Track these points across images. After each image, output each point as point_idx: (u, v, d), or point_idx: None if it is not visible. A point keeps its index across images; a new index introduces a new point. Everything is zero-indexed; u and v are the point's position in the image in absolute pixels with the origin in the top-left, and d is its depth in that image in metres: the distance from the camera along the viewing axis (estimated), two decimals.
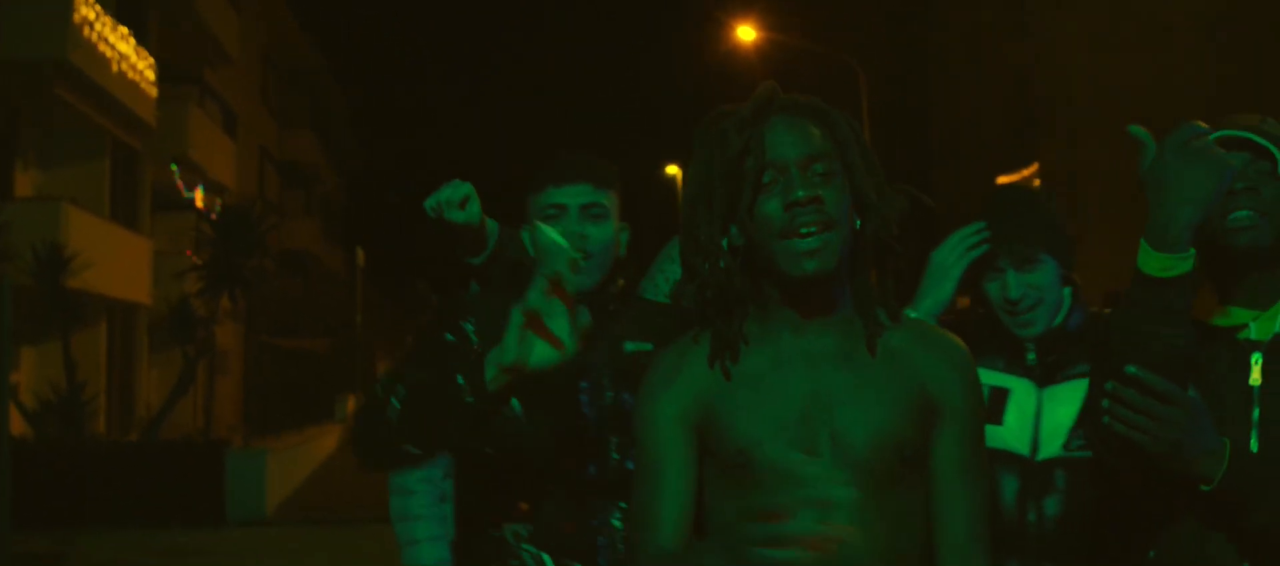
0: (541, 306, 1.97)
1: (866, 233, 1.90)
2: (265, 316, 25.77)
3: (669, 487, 1.91)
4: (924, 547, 1.90)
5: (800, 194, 1.80)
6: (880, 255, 1.93)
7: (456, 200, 2.59)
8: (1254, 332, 2.18)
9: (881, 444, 1.85)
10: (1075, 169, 25.39)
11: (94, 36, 17.77)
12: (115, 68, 18.74)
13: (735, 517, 1.81)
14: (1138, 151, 2.05)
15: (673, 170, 43.41)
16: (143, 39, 20.45)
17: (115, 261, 19.24)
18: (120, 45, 18.91)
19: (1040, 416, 2.63)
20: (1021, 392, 2.65)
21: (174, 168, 23.67)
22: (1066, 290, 2.70)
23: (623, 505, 2.53)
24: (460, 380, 2.05)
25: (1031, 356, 2.66)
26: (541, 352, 2.00)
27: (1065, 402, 2.62)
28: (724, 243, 1.89)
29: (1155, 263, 2.00)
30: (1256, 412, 2.13)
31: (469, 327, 2.59)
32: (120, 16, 19.27)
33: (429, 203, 2.61)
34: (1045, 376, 2.66)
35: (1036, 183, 27.00)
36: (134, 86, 19.71)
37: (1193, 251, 2.00)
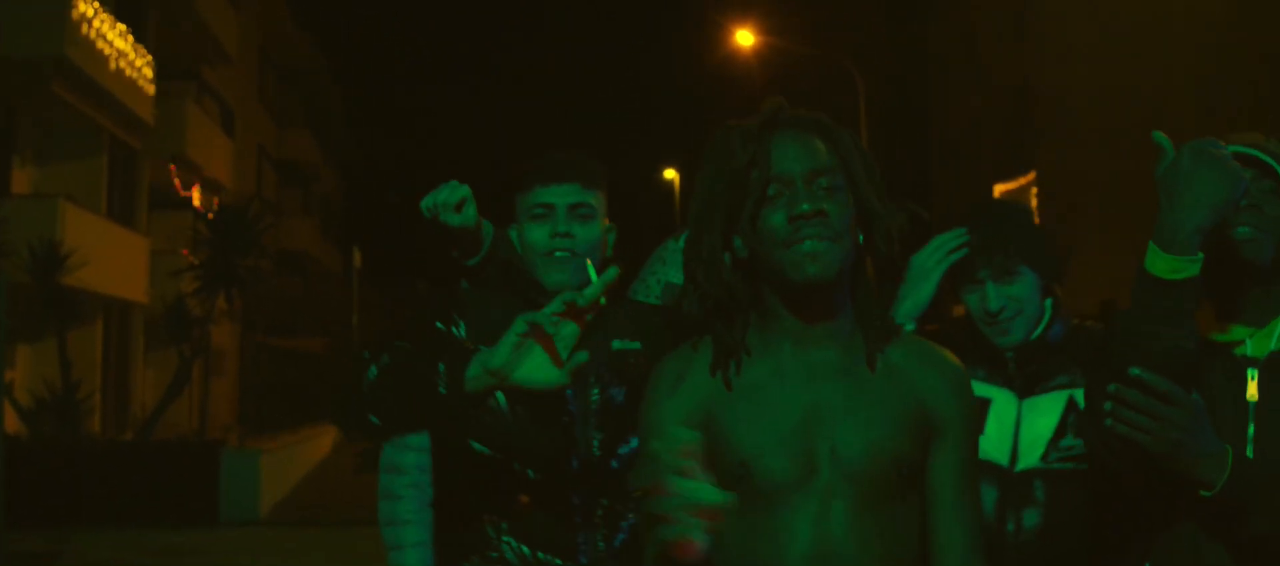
0: (548, 324, 1.96)
1: (869, 247, 1.93)
2: (262, 316, 25.77)
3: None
4: (918, 561, 1.93)
5: (805, 207, 1.83)
6: (880, 269, 1.97)
7: (453, 202, 2.59)
8: (1250, 349, 2.19)
9: (879, 458, 1.87)
10: (1074, 177, 25.41)
11: (92, 33, 17.75)
12: (113, 65, 18.73)
13: (735, 525, 1.83)
14: (1157, 155, 2.07)
15: (671, 174, 43.47)
16: (141, 37, 20.44)
17: (112, 260, 19.23)
18: (118, 42, 18.90)
19: (1020, 427, 2.65)
20: (1001, 403, 2.67)
21: (171, 166, 23.65)
22: (1047, 302, 2.72)
23: (604, 501, 2.55)
24: (441, 368, 2.04)
25: (1011, 367, 2.67)
26: (531, 369, 1.99)
27: (1044, 414, 2.65)
28: (726, 256, 1.92)
29: (1164, 264, 2.02)
30: (1252, 428, 2.14)
31: (460, 326, 2.59)
32: (119, 14, 19.27)
33: (425, 203, 2.60)
34: (1026, 387, 2.68)
35: (1034, 190, 27.03)
36: (132, 84, 19.70)
37: (1201, 256, 2.02)
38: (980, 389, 2.61)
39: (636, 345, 2.63)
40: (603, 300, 1.97)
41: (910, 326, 2.67)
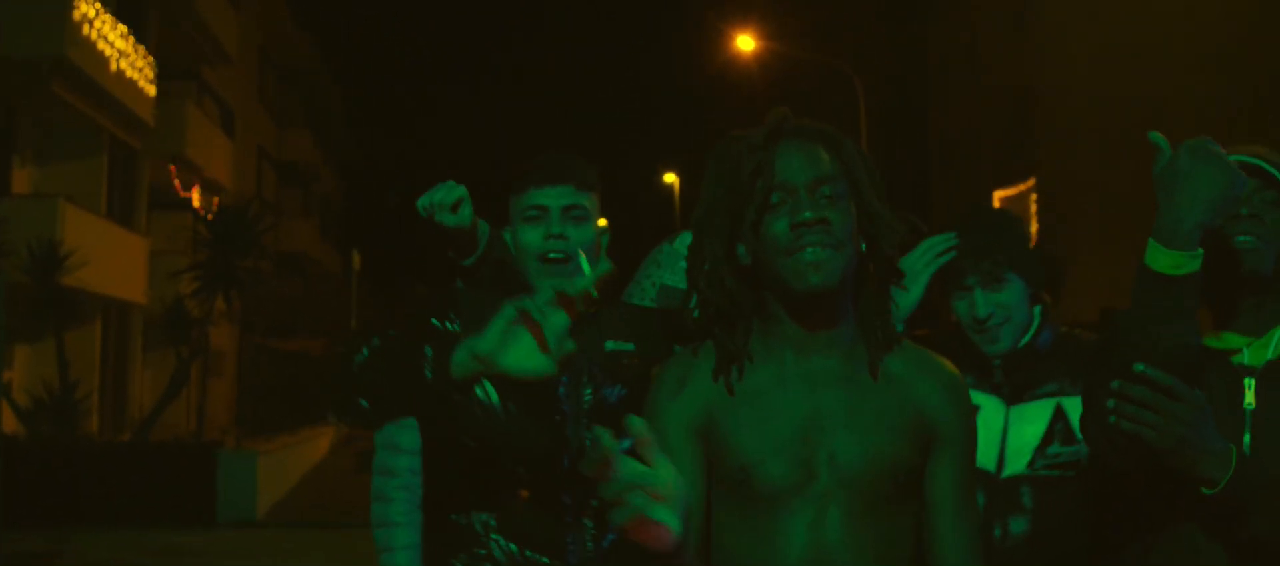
0: (537, 311, 1.94)
1: (872, 255, 1.96)
2: (260, 317, 25.74)
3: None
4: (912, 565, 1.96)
5: (807, 215, 1.86)
6: (882, 278, 1.99)
7: (449, 203, 2.60)
8: (1248, 358, 2.20)
9: (877, 466, 1.90)
10: (1074, 183, 25.41)
11: (93, 34, 17.75)
12: (114, 65, 18.72)
13: (733, 528, 1.90)
14: (1153, 155, 2.10)
15: (670, 178, 43.46)
16: (142, 37, 20.43)
17: (111, 260, 19.23)
18: (119, 43, 18.89)
19: (1006, 434, 2.66)
20: (989, 409, 2.68)
21: (171, 167, 23.64)
22: (1036, 309, 2.73)
23: (594, 503, 2.55)
24: (428, 352, 2.03)
25: (998, 375, 2.69)
26: (518, 355, 1.96)
27: (1032, 421, 2.66)
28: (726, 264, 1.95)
29: (1165, 260, 2.04)
30: (1248, 436, 2.15)
31: (455, 324, 2.60)
32: (120, 14, 19.26)
33: (421, 202, 2.61)
34: (1013, 394, 2.70)
35: (1033, 196, 27.03)
36: (132, 85, 19.69)
37: (1201, 252, 2.04)
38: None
39: (630, 346, 2.64)
40: (594, 292, 1.96)
41: (898, 329, 2.69)
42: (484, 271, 2.74)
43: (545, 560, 2.55)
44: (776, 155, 1.91)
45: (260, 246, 17.02)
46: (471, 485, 2.59)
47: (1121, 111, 23.21)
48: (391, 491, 2.90)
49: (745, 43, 25.86)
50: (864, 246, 1.95)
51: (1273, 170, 2.22)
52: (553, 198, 2.61)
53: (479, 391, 2.54)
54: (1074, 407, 2.64)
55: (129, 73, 19.44)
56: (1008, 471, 2.63)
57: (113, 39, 18.60)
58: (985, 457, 2.60)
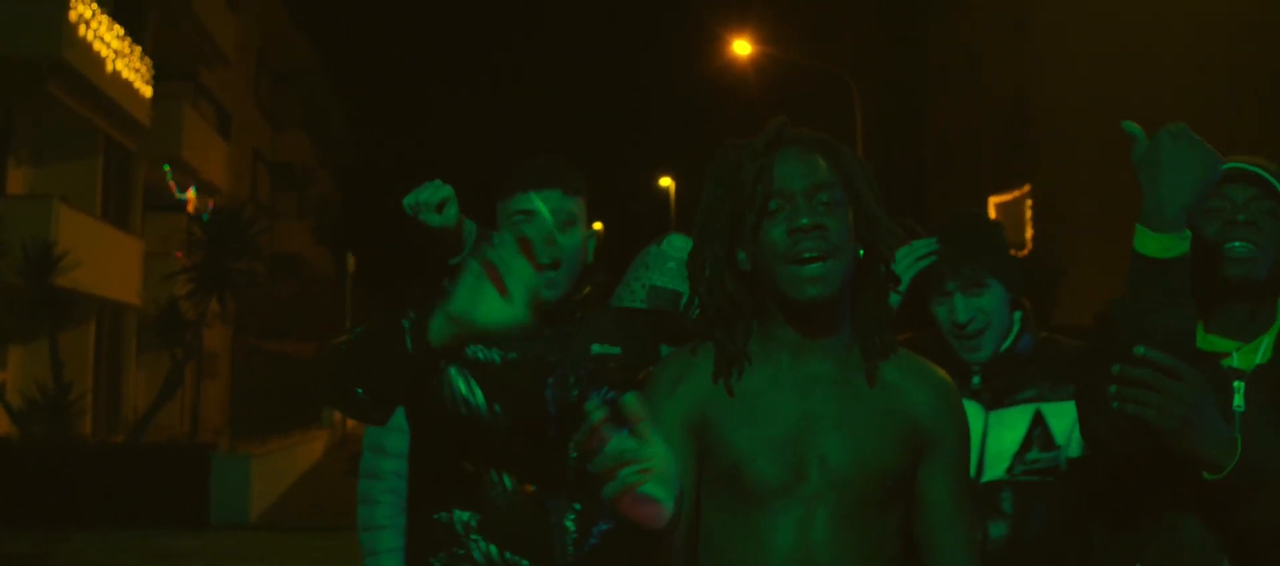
0: (503, 262, 1.93)
1: (870, 262, 2.00)
2: (254, 320, 25.72)
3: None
4: None
5: (805, 221, 1.90)
6: (880, 285, 2.02)
7: (434, 202, 2.59)
8: (1237, 362, 2.23)
9: (867, 470, 1.94)
10: (1070, 189, 25.44)
11: (89, 35, 17.73)
12: (110, 67, 18.70)
13: (722, 525, 1.95)
14: (1130, 143, 2.13)
15: (666, 182, 43.49)
16: (139, 38, 20.41)
17: (106, 261, 19.20)
18: (115, 44, 18.88)
19: (986, 439, 2.67)
20: (968, 415, 2.68)
21: (166, 168, 23.61)
22: (1016, 315, 2.74)
23: (577, 506, 2.56)
24: (407, 325, 2.02)
25: (976, 379, 2.70)
26: (491, 308, 1.94)
27: (1011, 427, 2.68)
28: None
29: (1154, 244, 2.06)
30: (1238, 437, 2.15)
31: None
32: (117, 15, 19.24)
33: (407, 201, 2.61)
34: (992, 400, 2.71)
35: (1029, 202, 27.06)
36: (128, 86, 19.67)
37: (1188, 234, 2.07)
38: None
39: (617, 350, 2.66)
40: (558, 238, 1.95)
41: None
42: None
43: (525, 562, 2.55)
44: (775, 162, 1.95)
45: (255, 248, 17.01)
46: (455, 481, 2.59)
47: (1119, 116, 23.08)
48: (377, 494, 2.90)
49: (742, 47, 25.89)
50: (861, 253, 1.98)
51: (1272, 179, 2.23)
52: (541, 202, 2.61)
53: (463, 389, 2.53)
54: (1053, 413, 2.67)
55: (125, 74, 19.42)
56: (987, 476, 2.65)
57: (109, 40, 18.58)
58: None
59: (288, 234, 35.81)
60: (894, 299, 2.74)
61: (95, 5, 17.97)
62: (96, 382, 20.20)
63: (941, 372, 2.07)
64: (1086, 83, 25.50)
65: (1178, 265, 2.06)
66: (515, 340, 2.19)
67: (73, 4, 17.11)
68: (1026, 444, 2.67)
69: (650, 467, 1.61)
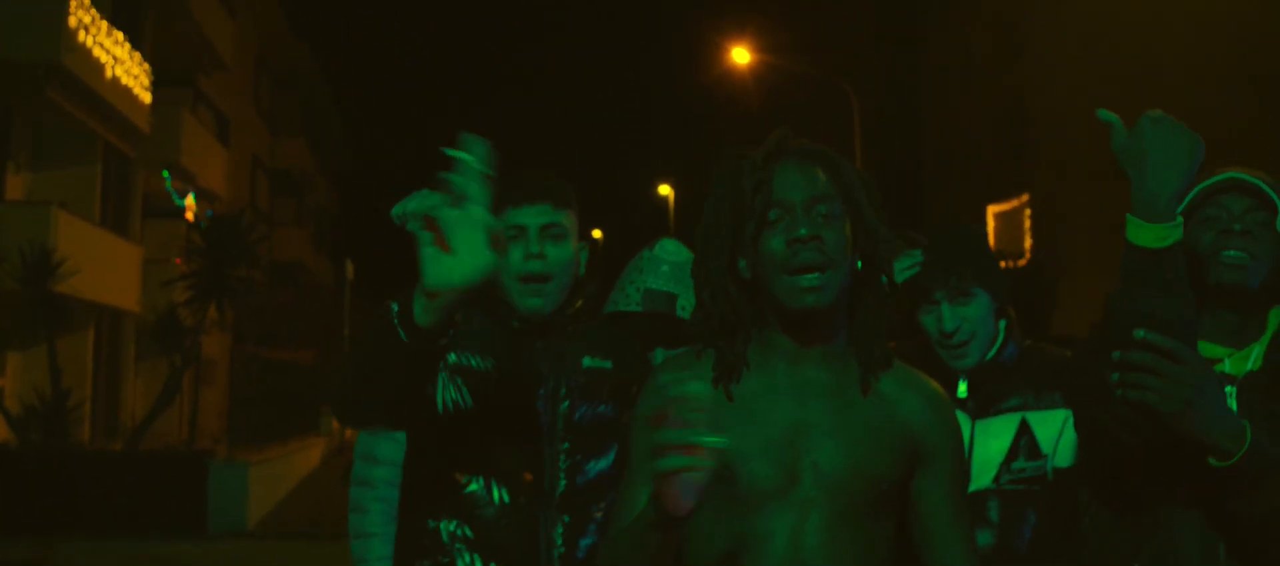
0: (447, 218, 1.88)
1: (868, 273, 2.04)
2: (253, 327, 25.69)
3: (649, 482, 1.99)
4: None
5: (803, 232, 1.94)
6: (878, 296, 2.06)
7: (421, 212, 2.59)
8: (1229, 368, 2.25)
9: (860, 476, 1.98)
10: (1068, 200, 25.45)
11: (88, 40, 17.73)
12: (109, 72, 18.71)
13: (715, 527, 1.99)
14: (1108, 132, 2.14)
15: (665, 190, 43.53)
16: (138, 44, 20.42)
17: (104, 267, 19.19)
18: (115, 49, 18.88)
19: (972, 449, 2.70)
20: None
21: (165, 175, 23.61)
22: (1001, 323, 2.75)
23: (566, 518, 2.57)
24: (394, 308, 1.99)
25: (963, 389, 2.72)
26: (461, 267, 1.89)
27: (997, 436, 2.70)
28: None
29: (1149, 234, 2.06)
30: None
31: None
32: (116, 21, 19.25)
33: (396, 211, 2.61)
34: (978, 409, 2.73)
35: (1027, 212, 27.07)
36: (127, 92, 19.67)
37: (1181, 221, 2.07)
38: None
39: (608, 364, 2.67)
40: (476, 165, 1.91)
41: None
42: None
43: None
44: (775, 174, 1.99)
45: (253, 255, 16.99)
46: (445, 491, 2.59)
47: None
48: (367, 502, 2.91)
49: (741, 55, 25.93)
50: (860, 264, 2.02)
51: (1269, 190, 2.25)
52: (531, 217, 2.61)
53: (454, 397, 2.53)
54: (1038, 422, 2.69)
55: (124, 80, 19.42)
56: (974, 486, 2.66)
57: (108, 46, 18.58)
58: None
59: (287, 241, 35.80)
60: None
61: (94, 11, 17.97)
62: (95, 389, 20.19)
63: (934, 383, 2.11)
64: (1085, 91, 25.50)
65: (1173, 253, 2.06)
66: (504, 339, 2.13)
67: (72, 9, 17.12)
68: (1013, 453, 2.69)
69: (706, 463, 1.68)
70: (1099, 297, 2.30)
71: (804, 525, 1.96)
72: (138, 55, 20.16)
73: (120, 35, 19.19)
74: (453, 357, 2.52)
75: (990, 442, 2.69)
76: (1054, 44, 26.41)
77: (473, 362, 2.57)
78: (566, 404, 2.61)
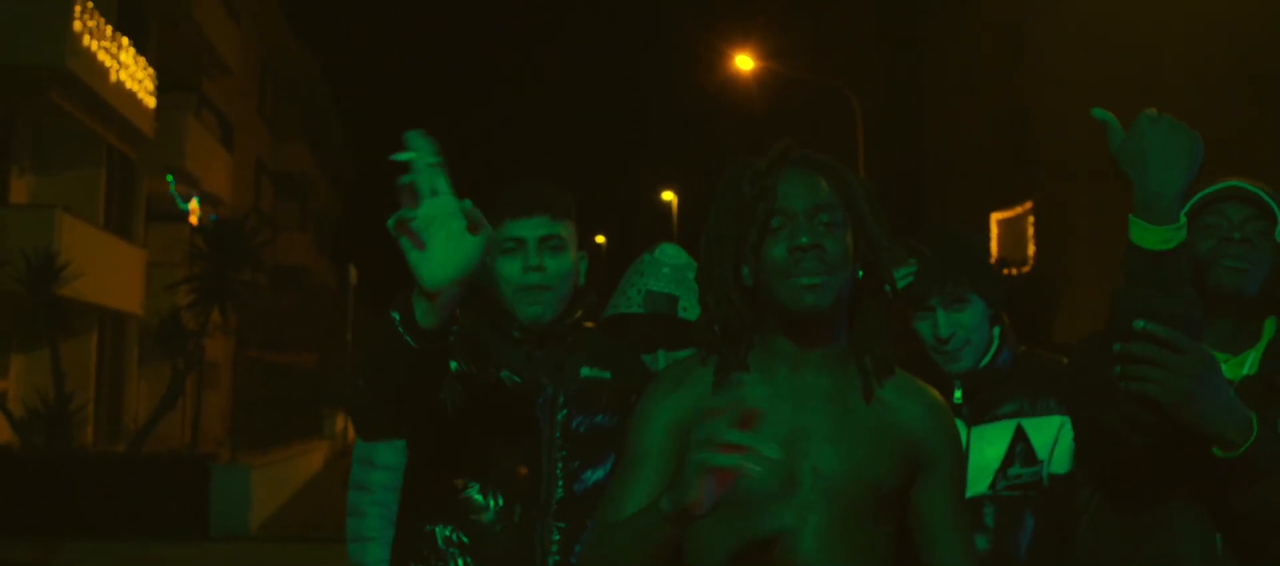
0: (425, 216, 1.87)
1: (870, 282, 2.06)
2: (256, 331, 25.72)
3: (643, 480, 2.03)
4: None
5: (804, 240, 1.96)
6: (880, 305, 2.08)
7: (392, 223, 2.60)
8: (1226, 373, 2.23)
9: (859, 480, 1.99)
10: (1071, 207, 25.44)
11: (93, 44, 17.76)
12: (113, 76, 18.73)
13: (714, 531, 1.99)
14: (1105, 133, 2.14)
15: (669, 196, 43.53)
16: (142, 48, 20.45)
17: (108, 271, 19.20)
18: (119, 54, 18.91)
19: (968, 454, 2.70)
20: None
21: (169, 178, 23.64)
22: (995, 330, 2.76)
23: (561, 525, 2.58)
24: (397, 327, 1.98)
25: (958, 395, 2.72)
26: (451, 260, 1.88)
27: (992, 442, 2.71)
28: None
29: (1154, 237, 2.07)
30: None
31: None
32: (120, 25, 19.28)
33: (391, 222, 2.61)
34: (974, 416, 2.74)
35: (1031, 220, 27.05)
36: (131, 96, 19.70)
37: (1184, 221, 2.08)
38: None
39: (607, 375, 2.67)
40: (432, 157, 1.90)
41: None
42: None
43: None
44: (779, 182, 2.01)
45: (257, 259, 17.00)
46: (443, 497, 2.60)
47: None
48: (365, 506, 2.91)
49: (744, 62, 25.96)
50: (861, 273, 2.04)
51: (1269, 200, 2.26)
52: (529, 229, 2.62)
53: (453, 404, 2.54)
54: (1033, 428, 2.69)
55: (128, 84, 19.45)
56: (970, 492, 2.66)
57: (113, 49, 18.61)
58: None
59: (290, 245, 35.80)
60: None
61: (99, 15, 18.00)
62: (98, 392, 20.21)
63: (933, 391, 2.12)
64: (1086, 91, 25.48)
65: (1178, 254, 2.06)
66: (508, 353, 2.11)
67: (76, 13, 17.15)
68: (1008, 459, 2.70)
69: (755, 469, 1.70)
70: (1101, 304, 2.30)
71: (803, 529, 1.98)
72: (142, 59, 20.18)
73: (124, 39, 19.21)
74: (453, 365, 2.52)
75: (986, 449, 2.70)
76: (1054, 44, 26.41)
77: (472, 371, 2.57)
78: (564, 413, 2.62)
